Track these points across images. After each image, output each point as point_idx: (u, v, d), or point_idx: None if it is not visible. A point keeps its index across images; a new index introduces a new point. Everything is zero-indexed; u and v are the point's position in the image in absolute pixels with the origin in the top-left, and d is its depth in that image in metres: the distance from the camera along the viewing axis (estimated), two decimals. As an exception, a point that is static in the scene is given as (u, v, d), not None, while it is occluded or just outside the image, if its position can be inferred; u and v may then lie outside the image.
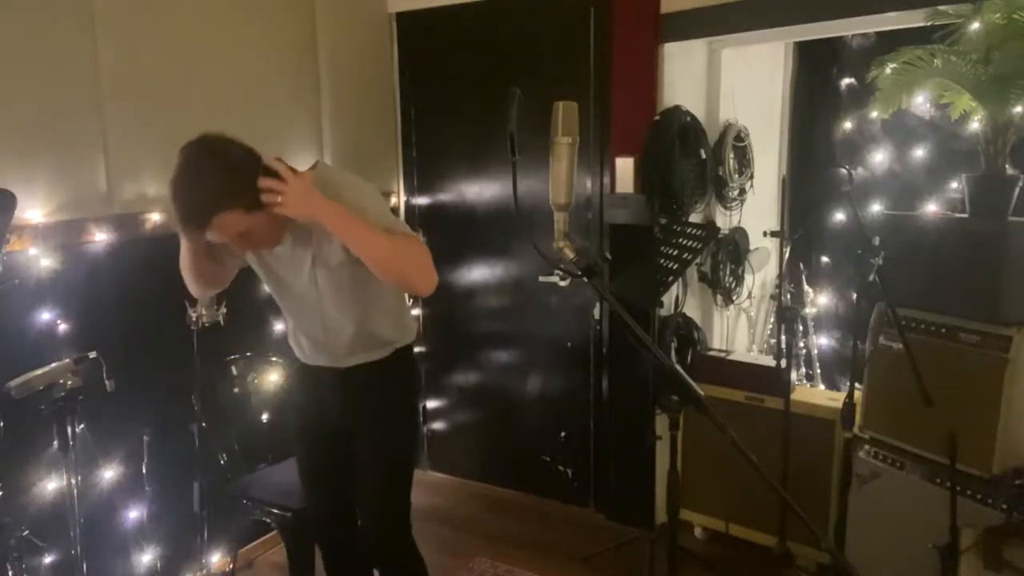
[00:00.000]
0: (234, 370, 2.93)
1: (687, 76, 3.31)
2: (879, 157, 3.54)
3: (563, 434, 3.68)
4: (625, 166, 3.21)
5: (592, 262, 1.45)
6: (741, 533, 3.17)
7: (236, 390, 2.93)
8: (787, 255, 3.46)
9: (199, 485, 2.78)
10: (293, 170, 1.87)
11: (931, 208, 3.21)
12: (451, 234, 3.87)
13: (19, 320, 2.44)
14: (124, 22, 2.67)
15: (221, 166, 1.78)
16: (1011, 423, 2.31)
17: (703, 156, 3.23)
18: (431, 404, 4.10)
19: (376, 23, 3.80)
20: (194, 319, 2.69)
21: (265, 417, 3.16)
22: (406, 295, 2.29)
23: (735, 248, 3.51)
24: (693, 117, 3.22)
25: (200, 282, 2.07)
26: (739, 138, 3.44)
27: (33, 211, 2.46)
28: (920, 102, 3.08)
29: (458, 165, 3.79)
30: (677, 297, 3.36)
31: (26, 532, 2.21)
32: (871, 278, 2.41)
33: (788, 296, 3.52)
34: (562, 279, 3.53)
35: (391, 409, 2.17)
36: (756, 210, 3.62)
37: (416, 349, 4.03)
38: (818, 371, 3.65)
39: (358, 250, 1.85)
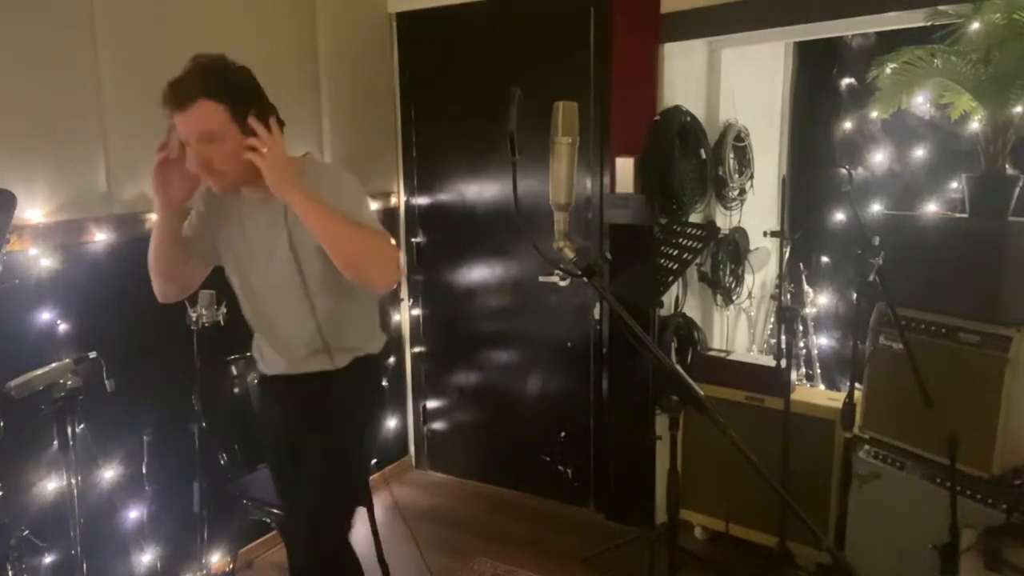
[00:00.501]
0: (234, 370, 2.92)
1: (687, 76, 3.31)
2: (879, 157, 3.54)
3: (563, 434, 3.68)
4: (625, 166, 3.21)
5: (592, 262, 1.45)
6: (741, 533, 3.17)
7: (236, 390, 2.92)
8: (787, 255, 3.46)
9: (199, 485, 2.78)
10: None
11: (931, 208, 3.21)
12: (451, 234, 3.87)
13: (19, 320, 2.44)
14: (124, 21, 2.67)
15: (230, 69, 1.79)
16: (1011, 423, 2.31)
17: (703, 156, 3.23)
18: (431, 404, 4.10)
19: (376, 23, 3.79)
20: (194, 319, 2.68)
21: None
22: (376, 303, 2.17)
23: (735, 248, 3.51)
24: (693, 117, 3.22)
25: (165, 274, 2.00)
26: (739, 138, 3.44)
27: (33, 211, 2.46)
28: (920, 102, 3.09)
29: (458, 165, 3.79)
30: (677, 297, 3.35)
31: (26, 532, 2.21)
32: (871, 278, 2.41)
33: (788, 296, 3.52)
34: (562, 279, 3.53)
35: (342, 425, 2.04)
36: (756, 210, 3.62)
37: (416, 349, 4.08)
38: (818, 371, 3.65)
39: (320, 233, 1.80)
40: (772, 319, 3.79)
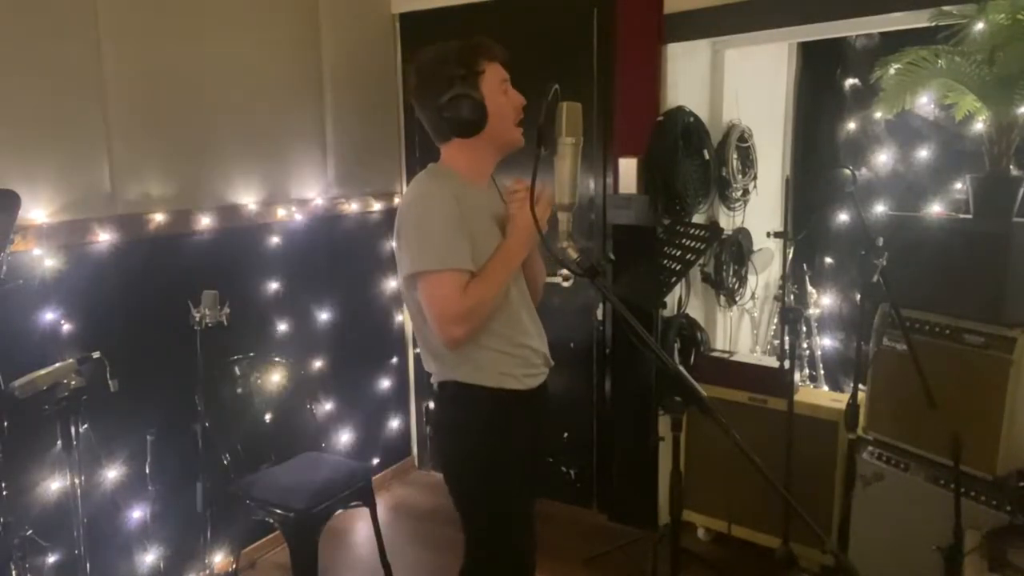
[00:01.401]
0: (237, 370, 2.93)
1: (690, 76, 3.31)
2: (883, 158, 3.53)
3: (566, 435, 3.68)
4: (628, 167, 3.20)
5: (595, 263, 1.45)
6: (744, 534, 3.16)
7: (239, 390, 2.93)
8: (791, 256, 3.46)
9: (202, 485, 2.78)
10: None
11: (935, 209, 3.20)
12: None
13: (23, 320, 2.44)
14: (128, 22, 2.68)
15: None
16: (1015, 424, 2.30)
17: (706, 157, 3.23)
18: (433, 404, 4.09)
19: (379, 24, 3.80)
20: (197, 319, 2.69)
21: (268, 417, 3.17)
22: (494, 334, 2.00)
23: (738, 249, 3.51)
24: (696, 118, 3.21)
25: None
26: (743, 139, 3.44)
27: (37, 211, 2.47)
28: (924, 103, 3.08)
29: (461, 165, 3.78)
30: (680, 298, 3.35)
31: (30, 532, 2.22)
32: (875, 279, 2.41)
33: (791, 297, 3.51)
34: (565, 280, 3.53)
35: (448, 459, 2.08)
36: (760, 211, 3.61)
37: (419, 349, 4.05)
38: (822, 372, 3.65)
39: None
40: (775, 320, 3.78)
